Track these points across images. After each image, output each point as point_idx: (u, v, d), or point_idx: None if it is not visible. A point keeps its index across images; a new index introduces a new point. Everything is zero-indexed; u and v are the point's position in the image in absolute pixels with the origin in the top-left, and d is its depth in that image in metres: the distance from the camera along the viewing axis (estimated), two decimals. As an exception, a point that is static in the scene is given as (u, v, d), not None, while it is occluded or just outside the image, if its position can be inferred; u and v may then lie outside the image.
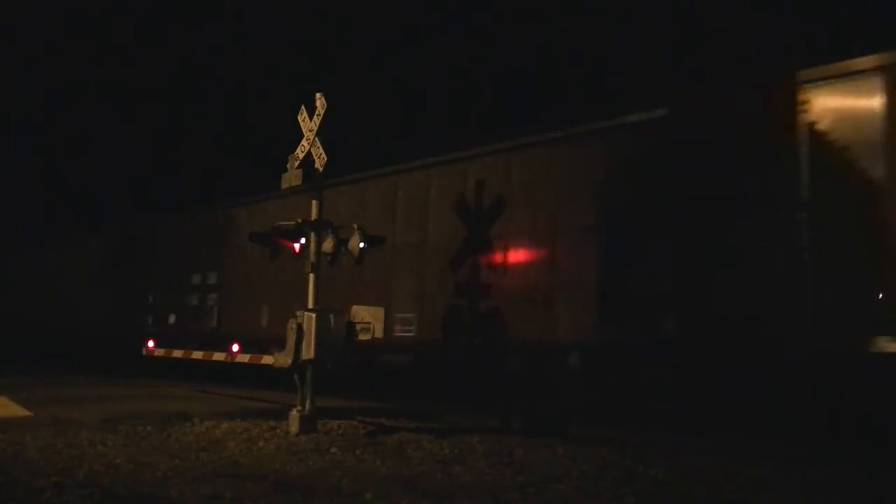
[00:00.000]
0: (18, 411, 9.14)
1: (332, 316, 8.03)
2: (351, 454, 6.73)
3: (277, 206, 13.43)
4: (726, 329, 8.44)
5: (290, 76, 22.51)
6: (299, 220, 8.33)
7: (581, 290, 9.66)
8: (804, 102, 8.23)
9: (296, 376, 7.95)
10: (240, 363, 11.21)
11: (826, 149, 8.04)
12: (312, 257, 8.20)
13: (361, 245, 8.29)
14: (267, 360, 8.67)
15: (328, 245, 8.26)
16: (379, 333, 8.11)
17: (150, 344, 12.78)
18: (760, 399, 7.98)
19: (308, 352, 7.84)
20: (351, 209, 12.11)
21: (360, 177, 12.80)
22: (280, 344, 8.07)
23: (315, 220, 8.27)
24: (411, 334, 11.33)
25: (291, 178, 8.45)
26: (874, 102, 7.75)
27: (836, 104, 8.05)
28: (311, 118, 8.34)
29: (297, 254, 8.38)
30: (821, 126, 8.11)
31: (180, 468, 5.90)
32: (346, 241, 8.32)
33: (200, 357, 10.85)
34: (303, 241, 8.26)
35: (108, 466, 5.88)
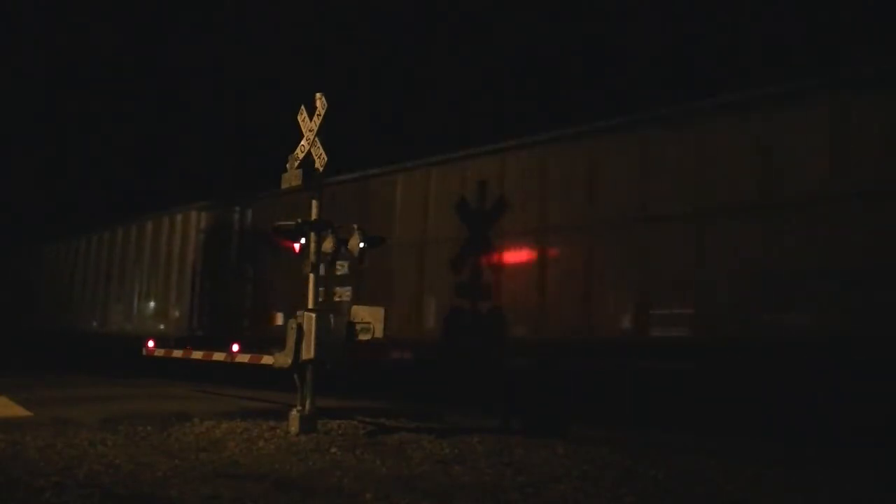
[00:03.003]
0: (18, 411, 9.13)
1: (332, 316, 8.04)
2: (351, 454, 6.73)
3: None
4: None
5: (290, 76, 22.52)
6: (299, 220, 8.33)
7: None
8: None
9: (296, 376, 7.95)
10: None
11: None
12: (312, 257, 8.21)
13: (361, 245, 8.30)
14: (267, 360, 8.65)
15: (328, 245, 8.26)
16: (379, 333, 8.10)
17: (150, 344, 12.74)
18: None
19: (308, 352, 7.84)
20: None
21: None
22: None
23: (315, 220, 8.28)
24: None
25: (291, 178, 8.45)
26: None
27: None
28: (311, 118, 8.34)
29: (297, 253, 8.41)
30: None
31: (180, 468, 5.90)
32: (346, 241, 8.32)
33: (200, 357, 10.82)
34: (303, 240, 8.29)
35: (108, 466, 5.88)
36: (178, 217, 16.32)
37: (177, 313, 15.93)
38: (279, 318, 12.89)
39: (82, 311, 19.53)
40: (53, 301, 21.39)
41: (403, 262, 11.92)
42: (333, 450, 6.90)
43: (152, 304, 16.80)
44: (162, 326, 16.13)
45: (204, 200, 16.22)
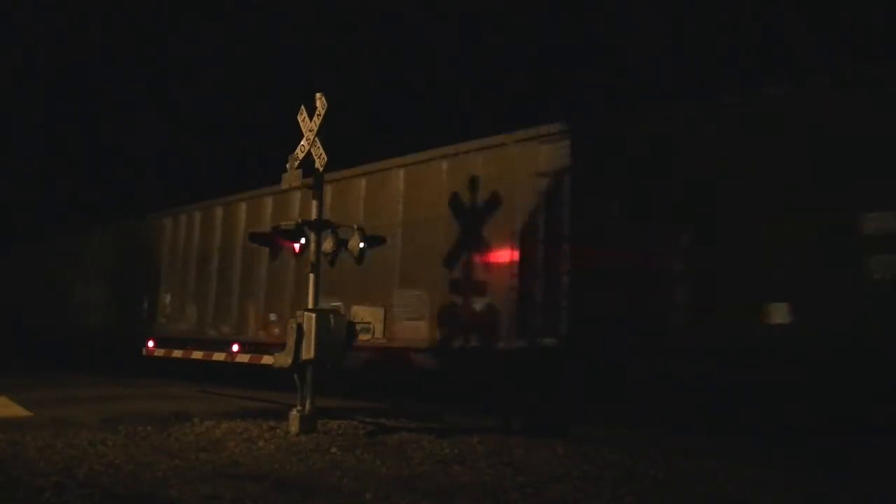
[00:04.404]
0: (18, 411, 9.13)
1: (332, 316, 8.05)
2: (351, 454, 6.73)
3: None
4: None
5: (289, 76, 22.54)
6: (299, 220, 8.34)
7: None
8: None
9: (296, 376, 7.96)
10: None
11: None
12: (312, 257, 8.21)
13: (361, 245, 8.30)
14: (267, 360, 8.66)
15: (328, 245, 8.27)
16: (379, 334, 8.09)
17: (150, 344, 12.74)
18: None
19: (308, 352, 7.84)
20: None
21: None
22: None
23: (315, 220, 8.28)
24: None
25: (291, 178, 8.46)
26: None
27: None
28: (311, 118, 8.34)
29: (297, 253, 8.39)
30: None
31: (180, 468, 5.90)
32: (346, 242, 8.33)
33: (200, 357, 10.83)
34: (303, 240, 8.27)
35: (108, 466, 5.88)
36: (477, 158, 9.95)
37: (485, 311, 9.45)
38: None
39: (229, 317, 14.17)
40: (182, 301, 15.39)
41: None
42: (333, 450, 6.90)
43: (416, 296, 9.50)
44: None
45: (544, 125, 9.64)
